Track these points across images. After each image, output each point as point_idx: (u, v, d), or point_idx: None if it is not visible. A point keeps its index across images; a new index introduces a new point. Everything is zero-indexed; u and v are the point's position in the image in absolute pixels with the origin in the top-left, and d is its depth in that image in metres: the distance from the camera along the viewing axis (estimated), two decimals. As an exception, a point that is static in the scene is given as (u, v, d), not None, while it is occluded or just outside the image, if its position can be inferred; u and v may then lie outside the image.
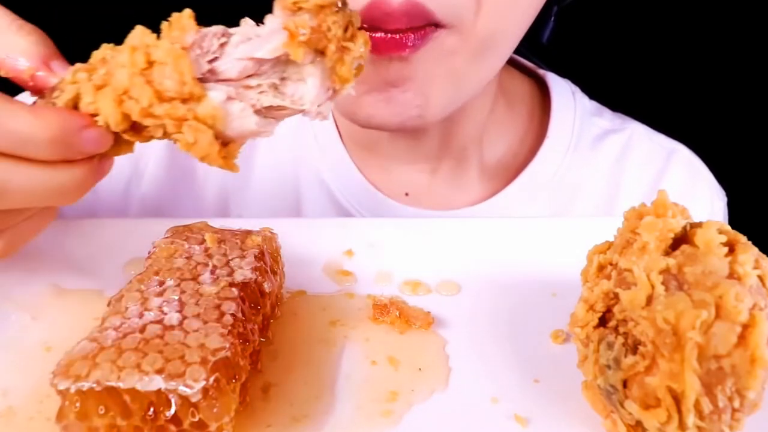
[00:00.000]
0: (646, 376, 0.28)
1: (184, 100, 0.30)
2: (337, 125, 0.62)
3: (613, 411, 0.30)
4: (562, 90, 0.64)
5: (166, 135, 0.32)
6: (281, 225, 0.40)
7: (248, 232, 0.38)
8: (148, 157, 0.61)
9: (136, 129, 0.32)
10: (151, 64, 0.30)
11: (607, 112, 0.67)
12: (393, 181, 0.61)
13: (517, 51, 0.52)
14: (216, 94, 0.31)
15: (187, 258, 0.35)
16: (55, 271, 0.41)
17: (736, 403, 0.26)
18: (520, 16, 0.45)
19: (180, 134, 0.31)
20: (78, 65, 0.32)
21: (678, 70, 1.07)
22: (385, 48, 0.42)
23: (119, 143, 0.33)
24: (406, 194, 0.61)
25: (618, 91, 0.77)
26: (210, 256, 0.35)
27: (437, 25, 0.41)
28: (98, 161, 0.33)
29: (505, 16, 0.43)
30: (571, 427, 0.32)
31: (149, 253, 0.36)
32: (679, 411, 0.26)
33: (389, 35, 0.41)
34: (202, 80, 0.31)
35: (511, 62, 0.66)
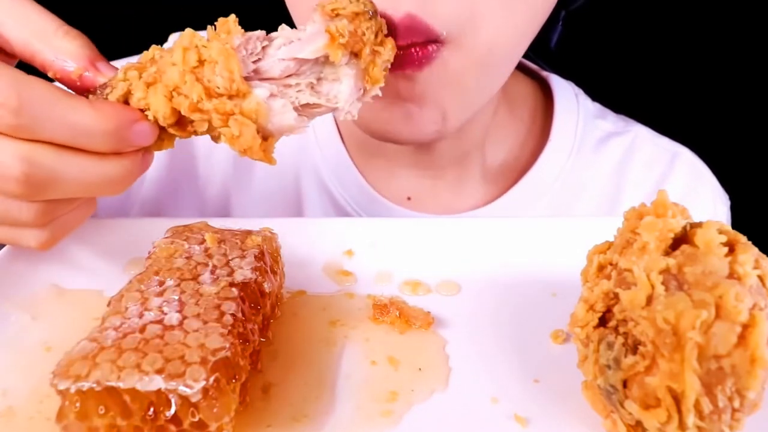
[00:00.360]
0: (646, 376, 0.28)
1: (231, 97, 0.33)
2: (338, 126, 0.62)
3: (613, 411, 0.30)
4: (565, 92, 0.64)
5: (210, 129, 0.34)
6: (281, 225, 0.40)
7: (248, 232, 0.38)
8: None
9: (182, 124, 0.34)
10: (201, 63, 0.32)
11: (610, 115, 0.67)
12: (395, 185, 0.61)
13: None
14: (260, 91, 0.33)
15: (187, 258, 0.35)
16: (55, 271, 0.41)
17: (736, 403, 0.26)
18: (519, 28, 0.44)
19: (225, 128, 0.33)
20: (129, 64, 0.34)
21: (682, 73, 1.07)
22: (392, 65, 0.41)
23: (162, 138, 0.35)
24: (408, 198, 0.61)
25: (621, 94, 0.77)
26: (210, 256, 0.35)
27: (437, 41, 0.41)
28: (142, 155, 0.36)
29: (501, 28, 0.43)
30: (571, 427, 0.32)
31: (149, 253, 0.36)
32: (679, 411, 0.26)
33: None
34: (246, 79, 0.33)
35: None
